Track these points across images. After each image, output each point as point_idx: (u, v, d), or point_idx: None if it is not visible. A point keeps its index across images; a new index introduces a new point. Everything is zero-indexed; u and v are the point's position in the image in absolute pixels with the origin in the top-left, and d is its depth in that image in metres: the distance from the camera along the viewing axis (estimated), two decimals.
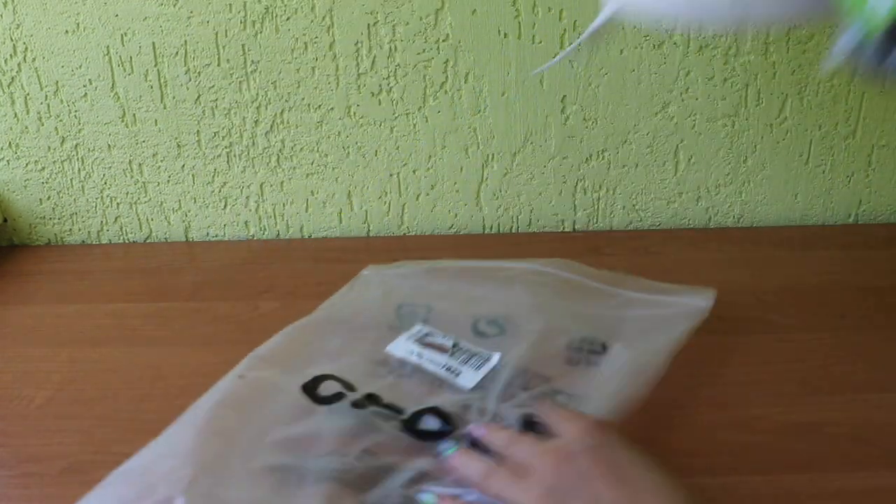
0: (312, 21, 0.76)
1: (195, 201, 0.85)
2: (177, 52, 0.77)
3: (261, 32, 0.76)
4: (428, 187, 0.84)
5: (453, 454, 0.48)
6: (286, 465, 0.47)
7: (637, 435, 0.52)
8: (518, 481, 0.44)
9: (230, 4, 0.75)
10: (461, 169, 0.83)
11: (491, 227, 0.87)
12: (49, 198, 0.85)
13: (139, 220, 0.86)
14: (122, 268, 0.81)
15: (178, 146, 0.82)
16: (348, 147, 0.82)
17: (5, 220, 0.86)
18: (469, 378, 0.56)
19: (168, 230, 0.86)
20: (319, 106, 0.80)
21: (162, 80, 0.79)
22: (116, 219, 0.86)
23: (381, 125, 0.81)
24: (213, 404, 0.51)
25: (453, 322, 0.62)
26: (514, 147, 0.82)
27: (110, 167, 0.83)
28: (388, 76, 0.78)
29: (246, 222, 0.86)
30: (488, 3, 0.75)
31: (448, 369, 0.57)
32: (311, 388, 0.54)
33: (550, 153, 0.83)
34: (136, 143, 0.82)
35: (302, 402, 0.53)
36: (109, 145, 0.82)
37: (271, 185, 0.84)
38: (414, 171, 0.83)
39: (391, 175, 0.83)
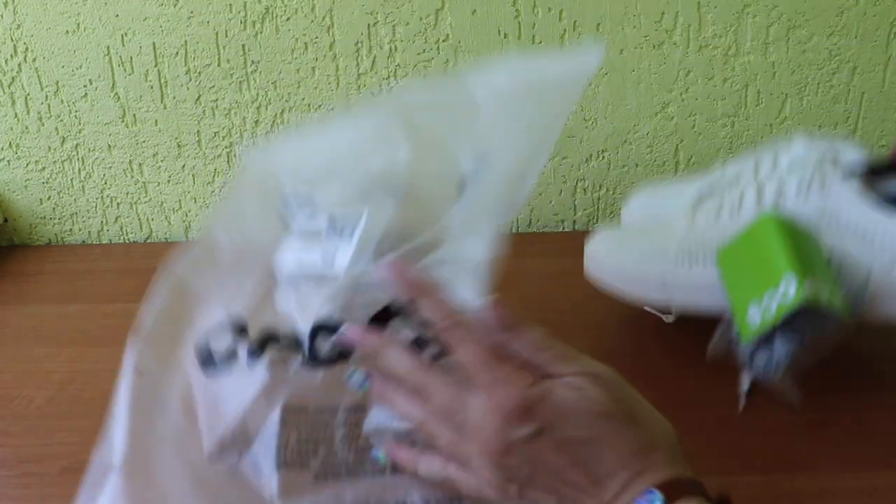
0: (312, 21, 0.76)
1: (195, 201, 0.85)
2: (177, 53, 0.77)
3: (261, 32, 0.76)
4: None
5: (370, 388, 0.41)
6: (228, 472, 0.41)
7: None
8: (463, 458, 0.38)
9: (230, 4, 0.75)
10: None
11: None
12: (49, 198, 0.85)
13: (139, 220, 0.86)
14: (123, 268, 0.81)
15: (179, 146, 0.82)
16: None
17: (6, 220, 0.86)
18: (344, 254, 0.45)
19: (168, 230, 0.86)
20: (320, 106, 0.80)
21: (162, 81, 0.79)
22: (117, 219, 0.86)
23: None
24: (127, 430, 0.42)
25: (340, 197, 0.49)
26: None
27: (111, 167, 0.83)
28: (389, 76, 0.78)
29: None
30: (488, 3, 0.75)
31: (326, 257, 0.45)
32: (205, 356, 0.44)
33: (550, 153, 0.83)
34: (137, 143, 0.82)
35: (204, 382, 0.43)
36: (110, 145, 0.82)
37: None
38: None
39: None
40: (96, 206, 0.85)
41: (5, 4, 0.75)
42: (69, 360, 0.64)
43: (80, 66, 0.78)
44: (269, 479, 0.40)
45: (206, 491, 0.40)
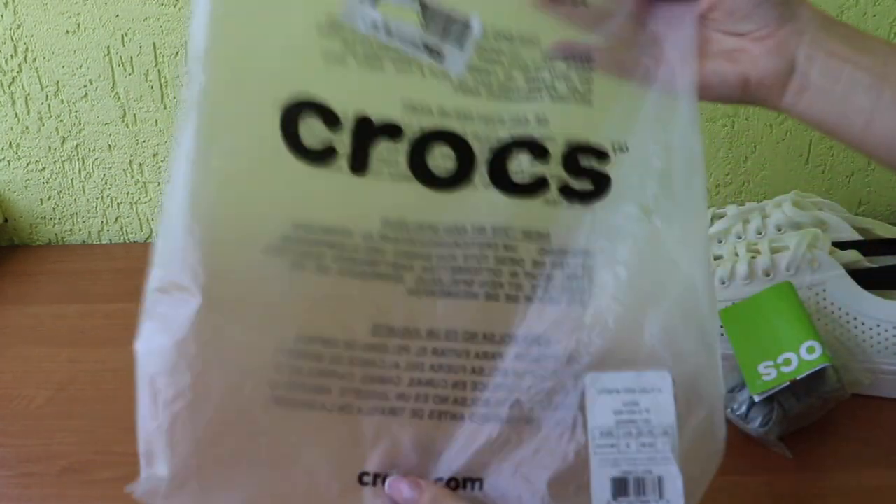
0: None
1: None
2: (177, 53, 0.77)
3: None
4: None
5: None
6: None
7: None
8: None
9: None
10: None
11: None
12: (50, 198, 0.85)
13: (140, 220, 0.86)
14: (123, 268, 0.81)
15: None
16: None
17: (6, 220, 0.86)
18: (455, 60, 0.39)
19: None
20: None
21: (162, 81, 0.79)
22: (117, 219, 0.86)
23: None
24: (190, 201, 0.38)
25: None
26: None
27: (111, 167, 0.83)
28: None
29: None
30: None
31: (428, 49, 0.39)
32: (291, 135, 0.37)
33: None
34: (137, 143, 0.82)
35: (289, 167, 0.37)
36: (110, 145, 0.82)
37: None
38: None
39: None
40: (96, 206, 0.85)
41: (5, 4, 0.75)
42: (69, 360, 0.64)
43: (81, 66, 0.78)
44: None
45: None
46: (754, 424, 0.50)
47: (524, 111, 0.39)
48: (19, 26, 0.76)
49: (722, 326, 0.55)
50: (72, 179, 0.84)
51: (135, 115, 0.80)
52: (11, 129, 0.81)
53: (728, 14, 0.39)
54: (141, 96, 0.79)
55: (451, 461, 0.37)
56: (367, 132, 0.38)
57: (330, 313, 0.38)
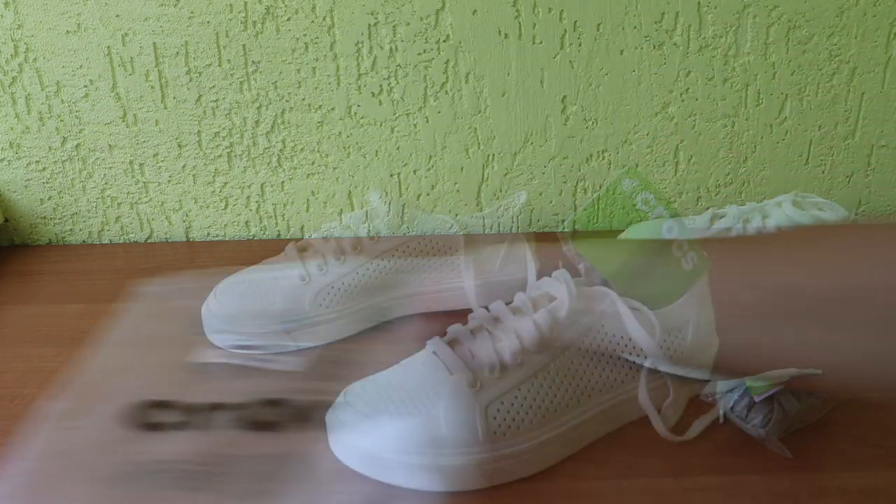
0: (313, 21, 0.76)
1: (196, 201, 0.85)
2: (178, 53, 0.77)
3: (261, 33, 0.76)
4: (428, 187, 0.84)
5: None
6: None
7: (636, 434, 0.52)
8: None
9: (231, 5, 0.75)
10: (462, 169, 0.83)
11: (491, 227, 0.87)
12: (50, 198, 0.85)
13: (140, 220, 0.86)
14: (123, 268, 0.81)
15: (179, 146, 0.82)
16: (349, 147, 0.82)
17: (6, 220, 0.86)
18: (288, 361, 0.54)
19: (169, 230, 0.86)
20: (320, 106, 0.80)
21: (163, 81, 0.79)
22: (117, 219, 0.86)
23: (381, 125, 0.81)
24: None
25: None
26: (514, 147, 0.82)
27: (111, 167, 0.83)
28: (389, 76, 0.78)
29: (247, 222, 0.86)
30: (488, 3, 0.75)
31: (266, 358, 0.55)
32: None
33: (551, 153, 0.83)
34: (137, 144, 0.82)
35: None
36: (110, 145, 0.82)
37: (272, 186, 0.84)
38: (414, 172, 0.83)
39: (392, 175, 0.84)
40: (97, 206, 0.85)
41: (6, 5, 0.75)
42: (69, 360, 0.64)
43: (81, 67, 0.78)
44: None
45: None
46: (754, 424, 0.50)
47: None
48: (20, 26, 0.76)
49: None
50: (72, 179, 0.84)
51: (135, 115, 0.80)
52: (12, 129, 0.81)
53: None
54: (141, 96, 0.79)
55: None
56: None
57: None
